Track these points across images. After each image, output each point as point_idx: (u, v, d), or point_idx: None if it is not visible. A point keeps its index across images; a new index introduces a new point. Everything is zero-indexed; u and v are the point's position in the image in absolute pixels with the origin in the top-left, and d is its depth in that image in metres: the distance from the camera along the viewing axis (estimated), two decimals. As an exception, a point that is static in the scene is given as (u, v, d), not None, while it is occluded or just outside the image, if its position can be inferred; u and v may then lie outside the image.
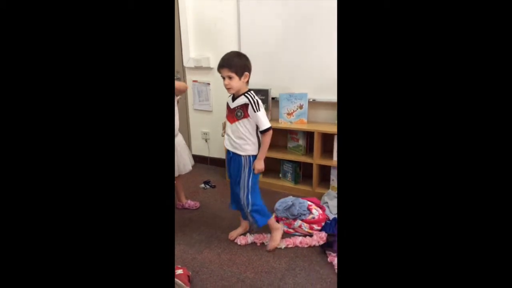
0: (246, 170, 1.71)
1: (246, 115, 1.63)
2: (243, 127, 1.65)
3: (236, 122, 1.66)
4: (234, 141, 1.69)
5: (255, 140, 1.69)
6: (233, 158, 1.74)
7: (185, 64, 2.90)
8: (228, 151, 1.77)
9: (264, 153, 1.70)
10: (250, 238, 1.86)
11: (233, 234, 1.90)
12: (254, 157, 1.71)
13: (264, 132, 1.65)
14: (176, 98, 2.00)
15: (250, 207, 1.73)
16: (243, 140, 1.67)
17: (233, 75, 1.56)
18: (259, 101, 1.63)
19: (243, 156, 1.69)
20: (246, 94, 1.63)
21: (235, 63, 1.56)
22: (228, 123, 1.72)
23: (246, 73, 1.60)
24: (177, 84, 1.93)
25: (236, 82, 1.58)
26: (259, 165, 1.70)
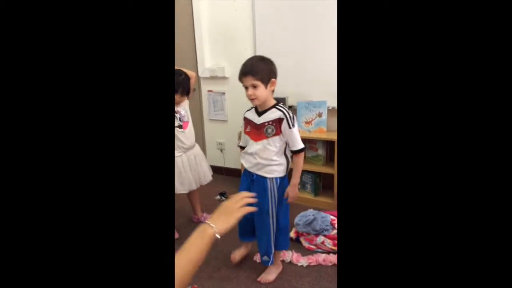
0: (273, 196, 1.44)
1: (278, 132, 1.36)
2: (273, 146, 1.38)
3: (265, 140, 1.38)
4: (259, 162, 1.41)
5: (284, 160, 1.43)
6: (256, 181, 1.45)
7: (200, 74, 2.86)
8: (247, 173, 1.49)
9: (298, 178, 1.43)
10: (269, 255, 1.76)
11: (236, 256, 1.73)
12: (281, 179, 1.45)
13: (297, 152, 1.40)
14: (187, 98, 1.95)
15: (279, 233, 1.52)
16: (272, 160, 1.40)
17: (258, 83, 1.30)
18: (294, 116, 1.37)
19: (269, 178, 1.42)
20: (278, 107, 1.37)
21: (260, 69, 1.31)
22: (251, 141, 1.44)
23: (273, 79, 1.35)
24: (189, 72, 1.89)
25: (262, 91, 1.32)
26: (293, 191, 1.44)
